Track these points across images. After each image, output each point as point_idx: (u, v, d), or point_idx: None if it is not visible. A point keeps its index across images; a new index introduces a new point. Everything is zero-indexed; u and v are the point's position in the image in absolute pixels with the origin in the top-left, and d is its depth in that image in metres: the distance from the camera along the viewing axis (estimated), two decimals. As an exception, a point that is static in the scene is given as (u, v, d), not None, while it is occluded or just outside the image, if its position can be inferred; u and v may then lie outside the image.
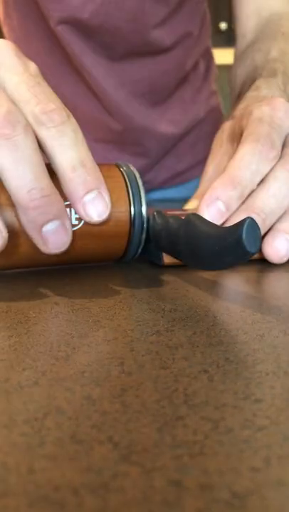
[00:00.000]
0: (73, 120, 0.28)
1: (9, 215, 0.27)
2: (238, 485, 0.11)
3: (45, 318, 0.23)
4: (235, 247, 0.21)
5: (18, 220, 0.27)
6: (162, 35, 0.70)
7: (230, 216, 0.32)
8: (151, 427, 0.13)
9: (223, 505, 0.10)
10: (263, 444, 0.13)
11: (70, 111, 0.28)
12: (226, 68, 0.68)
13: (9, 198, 0.27)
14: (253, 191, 0.33)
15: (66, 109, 0.28)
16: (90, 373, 0.17)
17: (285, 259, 0.32)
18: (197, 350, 0.19)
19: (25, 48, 0.29)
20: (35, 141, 0.27)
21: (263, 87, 0.44)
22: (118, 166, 0.31)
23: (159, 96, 0.74)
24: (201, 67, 0.80)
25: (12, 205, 0.27)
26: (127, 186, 0.30)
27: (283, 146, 0.35)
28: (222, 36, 2.30)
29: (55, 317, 0.23)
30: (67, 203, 0.28)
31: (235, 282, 0.29)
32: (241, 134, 0.36)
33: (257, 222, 0.31)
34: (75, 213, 0.28)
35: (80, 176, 0.27)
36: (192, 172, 0.80)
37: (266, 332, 0.21)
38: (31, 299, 0.26)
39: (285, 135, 0.35)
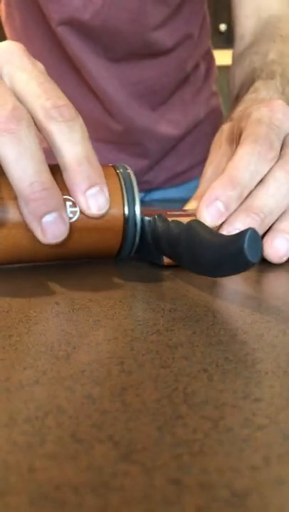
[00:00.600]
0: (80, 117, 0.29)
1: (12, 208, 0.29)
2: (238, 483, 0.11)
3: (46, 318, 0.23)
4: (236, 257, 0.21)
5: (17, 213, 0.29)
6: (163, 37, 0.70)
7: (230, 216, 0.32)
8: (152, 426, 0.13)
9: (223, 504, 0.10)
10: (262, 443, 0.13)
11: None
12: (225, 69, 0.68)
13: (11, 192, 0.28)
14: (252, 191, 0.33)
15: (73, 107, 0.29)
16: (91, 372, 0.17)
17: (284, 259, 0.32)
18: (197, 349, 0.19)
19: (27, 48, 0.30)
20: (37, 137, 0.28)
21: (262, 89, 0.44)
22: (114, 167, 0.33)
23: (159, 97, 0.74)
24: (202, 68, 0.80)
25: (13, 198, 0.29)
26: (121, 186, 0.31)
27: (282, 146, 0.35)
28: (221, 37, 2.30)
29: (55, 316, 0.23)
30: (65, 197, 0.29)
31: (234, 282, 0.29)
32: (240, 136, 0.36)
33: (256, 222, 0.31)
34: (70, 207, 0.30)
35: (85, 171, 0.29)
36: (192, 172, 0.80)
37: (265, 332, 0.21)
38: (32, 298, 0.26)
39: (284, 136, 0.35)
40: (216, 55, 0.84)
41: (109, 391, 0.16)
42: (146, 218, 0.33)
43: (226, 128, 0.41)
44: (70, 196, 0.30)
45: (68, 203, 0.30)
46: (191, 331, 0.21)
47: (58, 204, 0.28)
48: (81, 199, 0.29)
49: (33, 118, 0.29)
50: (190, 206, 0.38)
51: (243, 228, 0.31)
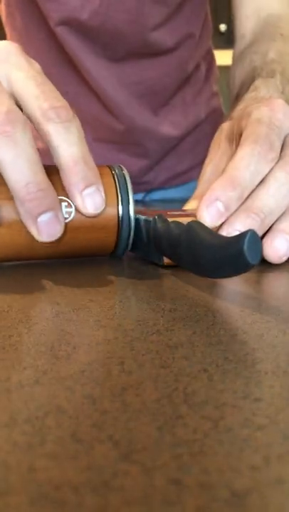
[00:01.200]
0: (77, 119, 0.30)
1: (7, 208, 0.30)
2: (238, 483, 0.11)
3: (46, 318, 0.23)
4: (236, 258, 0.21)
5: (14, 212, 0.29)
6: (163, 37, 0.70)
7: (230, 216, 0.32)
8: (152, 426, 0.13)
9: (222, 504, 0.10)
10: (262, 443, 0.13)
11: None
12: (225, 69, 0.68)
13: (6, 192, 0.29)
14: (252, 192, 0.33)
15: (70, 108, 0.30)
16: (91, 372, 0.17)
17: (284, 259, 0.32)
18: (197, 349, 0.19)
19: (28, 48, 0.30)
20: (33, 138, 0.28)
21: (262, 88, 0.44)
22: (110, 168, 0.33)
23: (160, 97, 0.74)
24: (203, 68, 0.80)
25: (8, 198, 0.29)
26: (116, 185, 0.32)
27: (282, 147, 0.35)
28: (222, 38, 2.30)
29: (55, 316, 0.23)
30: (60, 197, 0.30)
31: (234, 282, 0.29)
32: (240, 135, 0.36)
33: (256, 222, 0.31)
34: (65, 207, 0.30)
35: (81, 171, 0.29)
36: (192, 173, 0.80)
37: (265, 332, 0.21)
38: (32, 298, 0.26)
39: (284, 136, 0.35)
40: (216, 55, 0.84)
41: (109, 391, 0.16)
42: (142, 217, 0.33)
43: (225, 127, 0.41)
44: (66, 196, 0.30)
45: (64, 204, 0.30)
46: (191, 331, 0.21)
47: (53, 204, 0.29)
48: (78, 199, 0.30)
49: (30, 118, 0.30)
50: (190, 206, 0.38)
51: (242, 228, 0.31)
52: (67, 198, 0.30)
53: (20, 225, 0.29)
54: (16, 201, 0.28)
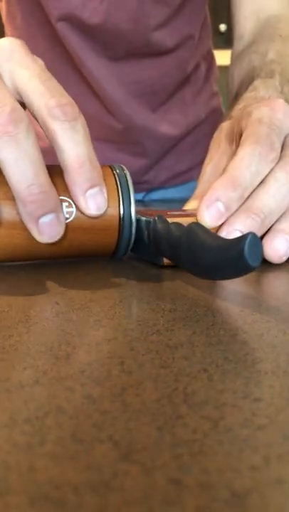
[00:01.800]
0: (82, 116, 0.29)
1: (7, 208, 0.29)
2: (238, 483, 0.11)
3: (46, 318, 0.23)
4: (237, 260, 0.22)
5: (14, 213, 0.29)
6: (164, 37, 0.70)
7: (230, 217, 0.32)
8: (152, 426, 0.13)
9: (222, 504, 0.10)
10: (262, 443, 0.13)
11: None
12: (225, 69, 0.68)
13: (7, 192, 0.29)
14: (252, 192, 0.33)
15: (76, 105, 0.29)
16: (91, 372, 0.17)
17: (284, 259, 0.32)
18: (197, 349, 0.19)
19: (28, 46, 0.30)
20: (36, 139, 0.28)
21: (261, 88, 0.44)
22: (111, 168, 0.33)
23: (159, 97, 0.74)
24: (202, 68, 0.80)
25: (9, 199, 0.29)
26: (118, 186, 0.32)
27: (283, 147, 0.35)
28: (222, 38, 2.30)
29: (55, 316, 0.23)
30: (61, 197, 0.30)
31: (234, 282, 0.29)
32: (240, 135, 0.36)
33: (256, 222, 0.31)
34: (66, 207, 0.30)
35: (86, 172, 0.29)
36: (192, 172, 0.80)
37: (265, 332, 0.21)
38: (32, 298, 0.26)
39: (285, 136, 0.35)
40: (216, 55, 0.84)
41: (109, 391, 0.16)
42: (143, 218, 0.33)
43: (225, 126, 0.41)
44: (67, 196, 0.30)
45: (65, 204, 0.30)
46: (191, 331, 0.21)
47: (55, 206, 0.28)
48: (81, 199, 0.29)
49: (35, 115, 0.29)
50: (190, 206, 0.38)
51: (242, 229, 0.31)
52: (69, 197, 0.30)
53: (21, 225, 0.29)
54: (18, 202, 0.28)
